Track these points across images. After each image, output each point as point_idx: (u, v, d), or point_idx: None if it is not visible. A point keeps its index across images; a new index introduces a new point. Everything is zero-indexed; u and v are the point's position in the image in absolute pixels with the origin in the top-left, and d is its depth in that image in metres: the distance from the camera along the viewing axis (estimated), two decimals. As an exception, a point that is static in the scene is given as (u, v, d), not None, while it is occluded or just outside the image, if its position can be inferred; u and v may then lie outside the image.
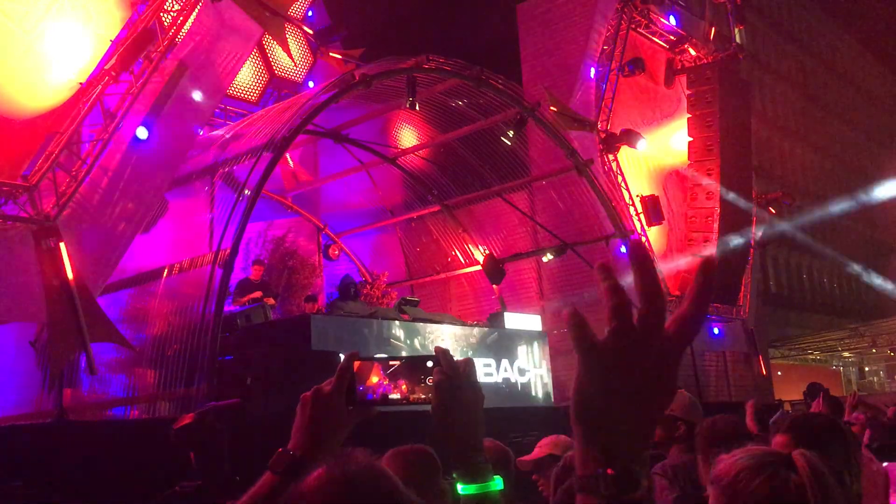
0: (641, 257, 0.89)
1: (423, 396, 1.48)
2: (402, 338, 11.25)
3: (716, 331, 17.60)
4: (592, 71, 16.88)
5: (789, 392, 21.73)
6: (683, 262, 17.42)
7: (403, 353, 10.76)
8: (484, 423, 1.46)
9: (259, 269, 13.91)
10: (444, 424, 1.43)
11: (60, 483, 6.61)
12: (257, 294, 12.97)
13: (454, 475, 1.44)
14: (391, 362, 1.53)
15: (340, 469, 1.33)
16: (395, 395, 1.51)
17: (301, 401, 1.53)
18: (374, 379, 1.52)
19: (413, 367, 1.51)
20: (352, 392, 1.51)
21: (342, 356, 1.57)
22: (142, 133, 9.97)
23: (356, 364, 1.53)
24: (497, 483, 1.43)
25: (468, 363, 1.49)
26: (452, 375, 1.45)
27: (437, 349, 1.50)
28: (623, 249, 15.43)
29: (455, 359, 1.49)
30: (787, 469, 1.79)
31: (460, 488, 1.42)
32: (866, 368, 38.05)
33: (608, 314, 0.87)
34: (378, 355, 1.62)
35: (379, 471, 1.36)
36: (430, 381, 1.47)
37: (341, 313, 11.45)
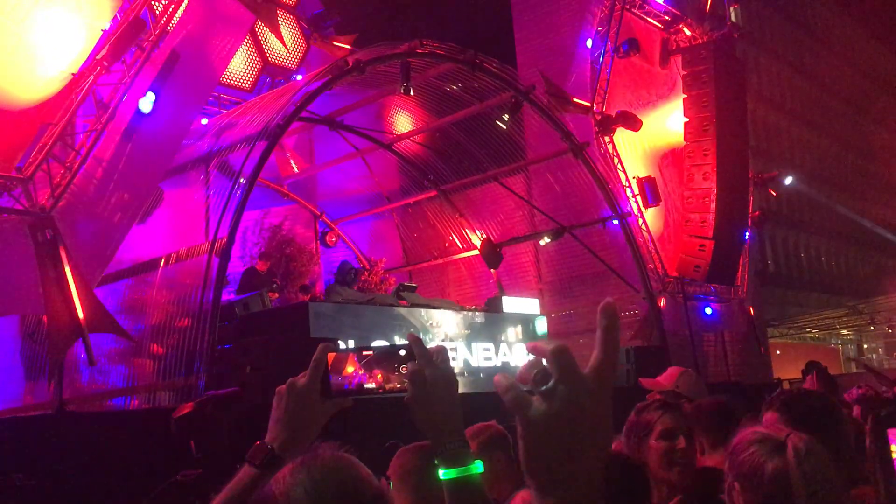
0: (614, 320, 0.97)
1: (398, 385, 1.51)
2: (401, 324, 11.25)
3: (708, 311, 17.63)
4: (589, 45, 16.81)
5: (788, 371, 21.80)
6: (681, 243, 17.45)
7: (398, 340, 10.78)
8: (460, 408, 1.48)
9: (265, 263, 13.94)
10: (420, 412, 1.45)
11: (61, 474, 6.62)
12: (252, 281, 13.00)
13: (435, 461, 1.45)
14: (365, 352, 1.55)
15: (305, 467, 1.35)
16: (370, 385, 1.53)
17: (276, 393, 1.55)
18: (350, 369, 1.54)
19: (387, 356, 1.53)
20: (326, 383, 1.52)
21: (341, 343, 1.58)
22: (145, 106, 9.86)
23: (331, 355, 1.54)
24: (477, 466, 1.45)
25: (440, 351, 1.52)
26: (425, 363, 1.46)
27: (410, 337, 1.53)
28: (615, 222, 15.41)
29: (428, 346, 1.51)
30: (774, 449, 1.83)
31: (441, 473, 1.44)
32: (865, 346, 38.22)
33: (532, 383, 0.97)
34: (352, 346, 1.63)
35: (346, 465, 1.38)
36: (404, 369, 1.49)
37: (339, 300, 11.44)
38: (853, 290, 36.07)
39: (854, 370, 31.30)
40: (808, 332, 33.40)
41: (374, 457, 1.56)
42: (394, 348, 1.53)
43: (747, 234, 18.81)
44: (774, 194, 21.30)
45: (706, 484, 2.79)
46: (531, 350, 1.00)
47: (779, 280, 33.16)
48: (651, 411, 3.11)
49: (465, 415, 1.50)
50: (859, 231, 40.50)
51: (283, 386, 1.55)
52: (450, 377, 1.48)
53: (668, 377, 4.27)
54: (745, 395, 11.91)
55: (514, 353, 12.69)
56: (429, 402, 1.44)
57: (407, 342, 1.52)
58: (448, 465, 1.43)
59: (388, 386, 1.52)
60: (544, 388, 0.95)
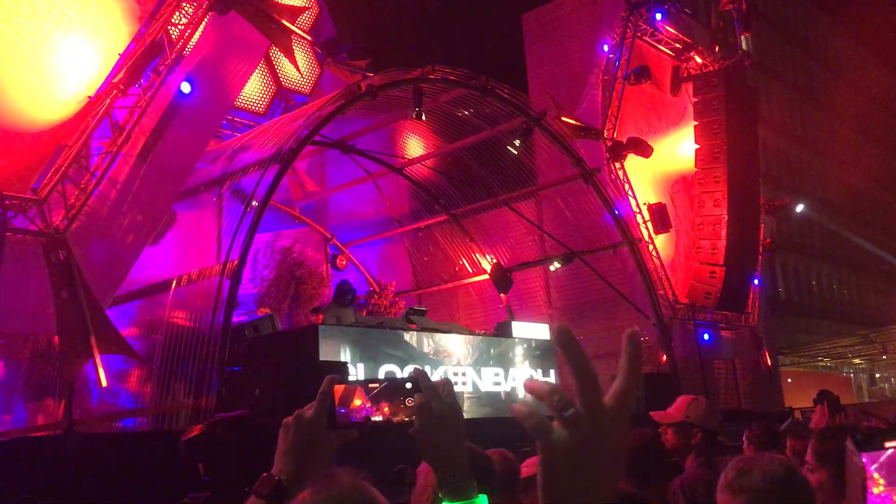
0: (569, 343, 0.95)
1: (405, 418, 1.52)
2: (410, 348, 11.23)
3: (729, 336, 17.52)
4: (599, 76, 16.91)
5: (800, 399, 21.59)
6: (692, 269, 17.40)
7: (410, 364, 10.75)
8: (465, 441, 1.49)
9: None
10: (426, 444, 1.46)
11: (70, 495, 6.62)
12: None
13: (439, 494, 1.46)
14: (372, 385, 1.57)
15: (326, 489, 1.36)
16: (377, 418, 1.54)
17: (283, 425, 1.56)
18: (357, 402, 1.55)
19: (394, 389, 1.55)
20: (332, 415, 1.54)
21: (350, 367, 1.59)
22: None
23: (338, 388, 1.56)
24: (481, 500, 1.46)
25: (446, 384, 1.53)
26: (431, 396, 1.48)
27: (416, 371, 1.54)
28: (626, 247, 15.38)
29: (433, 378, 1.53)
30: (784, 465, 1.84)
31: None
32: (877, 375, 37.85)
33: (552, 408, 0.96)
34: (359, 378, 1.65)
35: (363, 489, 1.39)
36: (410, 402, 1.51)
37: (333, 322, 11.20)
38: (865, 319, 35.80)
39: (867, 399, 31.01)
40: (820, 361, 33.10)
41: (381, 481, 1.57)
42: (400, 381, 1.55)
43: (758, 261, 18.74)
44: (782, 219, 21.24)
45: None
46: (528, 389, 1.00)
47: (790, 308, 32.98)
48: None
49: (474, 440, 1.51)
50: (871, 259, 40.28)
51: (290, 418, 1.57)
52: (455, 410, 1.49)
53: (677, 408, 4.19)
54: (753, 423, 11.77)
55: (524, 379, 12.62)
56: (434, 435, 1.45)
57: (413, 375, 1.53)
58: (452, 498, 1.44)
59: (394, 419, 1.53)
60: (566, 414, 0.95)
